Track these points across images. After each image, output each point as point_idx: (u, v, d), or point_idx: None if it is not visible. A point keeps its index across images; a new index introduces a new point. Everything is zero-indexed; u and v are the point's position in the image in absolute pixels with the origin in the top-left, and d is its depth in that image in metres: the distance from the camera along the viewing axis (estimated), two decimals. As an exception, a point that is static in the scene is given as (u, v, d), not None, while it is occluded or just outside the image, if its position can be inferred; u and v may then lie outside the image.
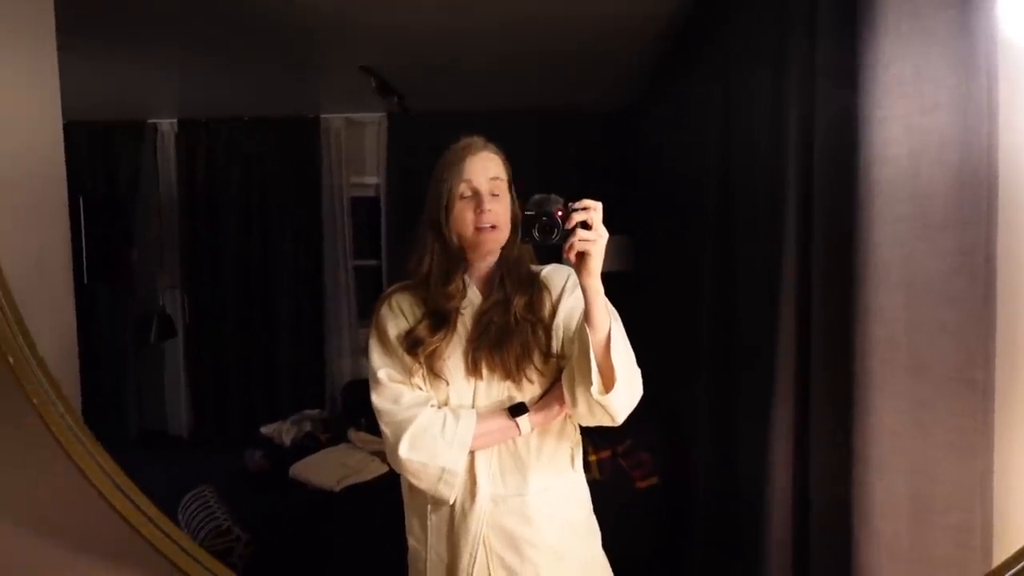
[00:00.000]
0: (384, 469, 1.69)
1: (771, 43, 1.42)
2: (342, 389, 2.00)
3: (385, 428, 1.17)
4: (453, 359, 1.19)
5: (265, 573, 1.66)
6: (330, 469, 1.87)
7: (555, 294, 1.22)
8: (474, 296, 1.22)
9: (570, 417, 1.21)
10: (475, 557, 1.17)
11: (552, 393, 1.19)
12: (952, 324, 1.10)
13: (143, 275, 1.94)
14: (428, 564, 1.21)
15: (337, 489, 1.82)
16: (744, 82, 1.56)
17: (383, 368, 1.19)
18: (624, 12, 1.61)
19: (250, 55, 1.72)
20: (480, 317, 1.20)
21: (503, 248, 1.21)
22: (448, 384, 1.18)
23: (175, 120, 1.93)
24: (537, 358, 1.18)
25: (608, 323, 1.07)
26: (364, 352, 1.23)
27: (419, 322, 1.18)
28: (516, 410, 1.17)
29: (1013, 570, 0.90)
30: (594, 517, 1.28)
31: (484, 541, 1.17)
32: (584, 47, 1.67)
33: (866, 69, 1.14)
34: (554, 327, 1.20)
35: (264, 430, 1.97)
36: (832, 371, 1.23)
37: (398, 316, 1.21)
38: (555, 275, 1.24)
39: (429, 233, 1.19)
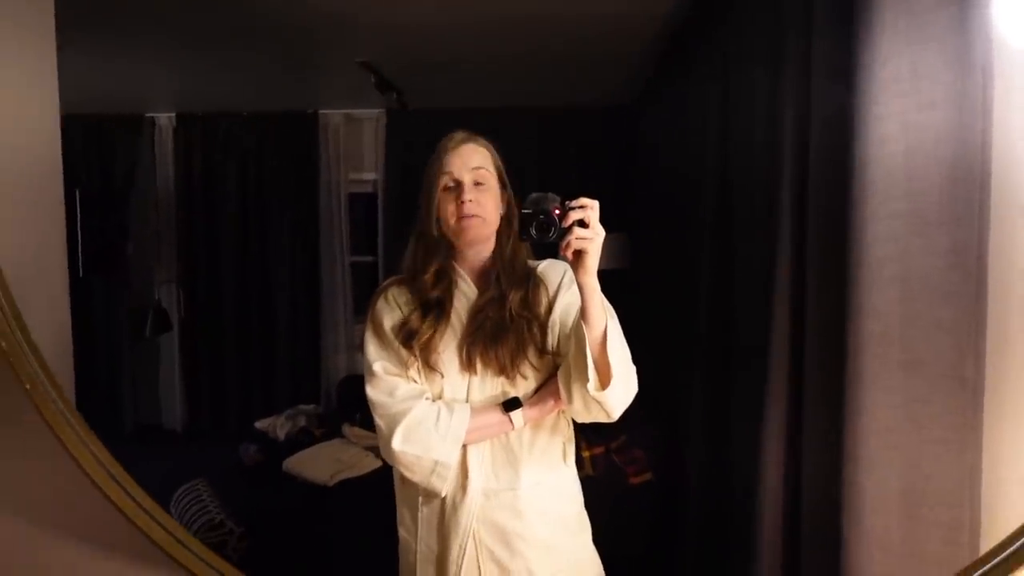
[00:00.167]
0: (378, 464, 1.69)
1: (768, 41, 1.42)
2: (337, 384, 2.00)
3: (379, 420, 1.18)
4: (448, 353, 1.19)
5: (259, 567, 1.66)
6: (324, 464, 1.87)
7: (551, 290, 1.22)
8: (469, 290, 1.22)
9: (563, 412, 1.22)
10: (464, 550, 1.17)
11: (546, 388, 1.19)
12: (947, 321, 1.11)
13: (139, 269, 1.94)
14: (418, 556, 1.22)
15: (331, 484, 1.82)
16: (741, 81, 1.56)
17: (379, 361, 1.20)
18: (623, 11, 1.62)
19: (249, 50, 1.72)
20: (475, 312, 1.20)
21: (499, 244, 1.22)
22: (443, 377, 1.19)
23: (173, 114, 1.93)
24: (532, 354, 1.19)
25: (604, 320, 1.07)
26: (360, 346, 1.24)
27: (412, 312, 1.19)
28: (510, 405, 1.18)
29: (998, 559, 0.91)
30: (585, 512, 1.28)
31: (474, 534, 1.18)
32: (583, 45, 1.67)
33: (862, 67, 1.15)
34: (550, 323, 1.20)
35: (259, 424, 1.97)
36: (826, 368, 1.24)
37: (394, 309, 1.22)
38: (551, 271, 1.24)
39: (418, 226, 1.21)
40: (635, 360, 1.14)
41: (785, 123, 1.36)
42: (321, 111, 1.96)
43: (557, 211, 1.06)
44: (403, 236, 1.26)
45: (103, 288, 1.88)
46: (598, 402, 1.09)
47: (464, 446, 1.17)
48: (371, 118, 1.94)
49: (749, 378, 1.46)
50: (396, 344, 1.19)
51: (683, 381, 1.74)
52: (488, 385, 1.19)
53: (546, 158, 1.81)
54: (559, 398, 1.17)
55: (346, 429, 1.96)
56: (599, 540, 1.29)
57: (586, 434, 1.43)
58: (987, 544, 1.01)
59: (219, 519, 1.70)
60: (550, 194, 1.09)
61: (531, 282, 1.22)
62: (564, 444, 1.25)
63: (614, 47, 1.71)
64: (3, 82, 1.19)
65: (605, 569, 1.29)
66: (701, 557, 1.66)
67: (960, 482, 1.10)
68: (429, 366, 1.18)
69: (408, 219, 1.25)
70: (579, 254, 1.05)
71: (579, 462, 1.30)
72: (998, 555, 0.92)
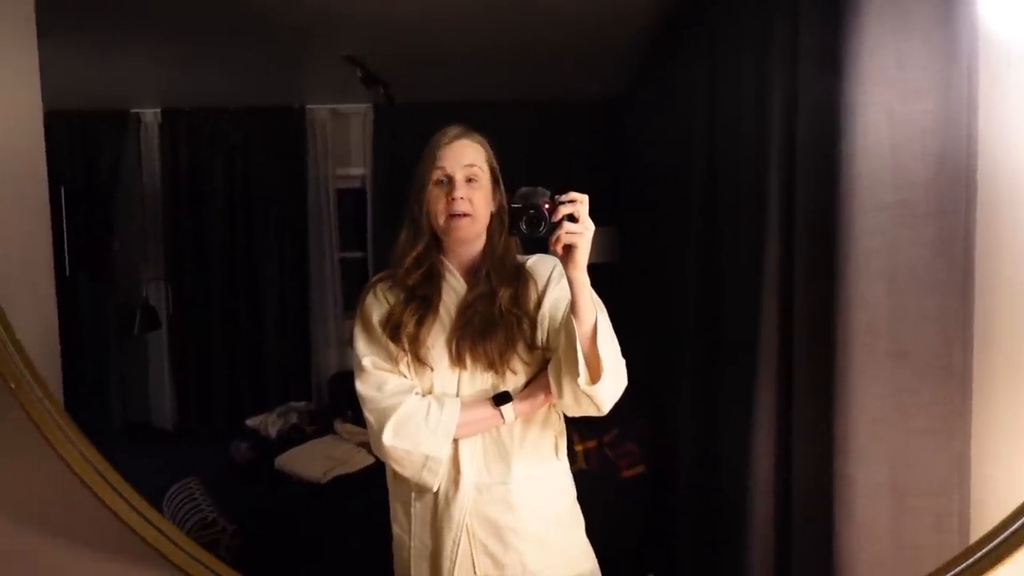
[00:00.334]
0: (370, 460, 1.69)
1: (755, 32, 1.42)
2: (328, 381, 1.99)
3: (369, 415, 1.17)
4: (437, 348, 1.19)
5: (252, 565, 1.66)
6: (316, 461, 1.86)
7: (541, 285, 1.22)
8: (458, 285, 1.22)
9: (554, 406, 1.22)
10: (458, 544, 1.18)
11: (537, 382, 1.19)
12: (933, 311, 1.12)
13: (125, 266, 1.93)
14: (412, 552, 1.22)
15: (323, 480, 1.82)
16: (729, 74, 1.56)
17: (368, 356, 1.19)
18: (610, 2, 1.61)
19: (235, 45, 1.71)
20: (465, 308, 1.20)
21: (489, 240, 1.22)
22: (433, 371, 1.18)
23: (158, 110, 1.91)
24: (522, 349, 1.18)
25: (594, 314, 1.07)
26: (349, 342, 1.23)
27: (397, 305, 1.19)
28: (500, 399, 1.18)
29: (988, 547, 0.92)
30: (578, 505, 1.29)
31: (467, 529, 1.18)
32: (571, 37, 1.67)
33: (849, 56, 1.15)
34: (539, 318, 1.20)
35: (250, 422, 1.96)
36: (814, 359, 1.25)
37: (382, 304, 1.21)
38: (541, 265, 1.24)
39: (407, 219, 1.20)
40: (625, 353, 1.14)
41: (772, 112, 1.36)
42: (308, 106, 1.94)
43: (547, 205, 1.06)
44: (392, 231, 1.25)
45: (89, 285, 1.86)
46: (588, 396, 1.09)
47: (456, 441, 1.17)
48: (358, 113, 1.93)
49: (738, 370, 1.47)
50: (385, 339, 1.18)
51: (674, 374, 1.75)
52: (478, 379, 1.19)
53: (535, 152, 1.81)
54: (550, 392, 1.17)
55: (338, 425, 1.96)
56: (592, 533, 1.30)
57: (578, 428, 1.43)
58: (977, 533, 1.02)
59: (212, 517, 1.70)
60: (540, 188, 1.09)
61: (521, 278, 1.22)
62: (556, 438, 1.25)
63: (602, 39, 1.71)
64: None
65: (599, 562, 1.30)
66: (694, 549, 1.67)
67: (949, 471, 1.12)
68: (419, 360, 1.18)
69: (397, 214, 1.25)
70: (569, 248, 1.05)
71: (572, 456, 1.30)
72: (987, 544, 0.93)
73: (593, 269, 1.07)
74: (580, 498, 1.29)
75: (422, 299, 1.19)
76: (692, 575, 1.69)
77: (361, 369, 1.19)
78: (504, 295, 1.19)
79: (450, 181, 1.17)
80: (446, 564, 1.18)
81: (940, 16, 1.09)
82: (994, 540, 0.93)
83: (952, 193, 1.10)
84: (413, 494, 1.22)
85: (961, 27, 1.09)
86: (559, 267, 1.18)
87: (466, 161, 1.18)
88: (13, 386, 1.06)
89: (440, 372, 1.19)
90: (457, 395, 1.19)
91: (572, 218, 1.04)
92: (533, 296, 1.22)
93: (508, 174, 1.23)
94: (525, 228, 1.07)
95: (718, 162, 1.60)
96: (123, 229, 1.91)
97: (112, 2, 1.57)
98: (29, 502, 1.20)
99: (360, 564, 1.62)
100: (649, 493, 1.75)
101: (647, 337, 1.80)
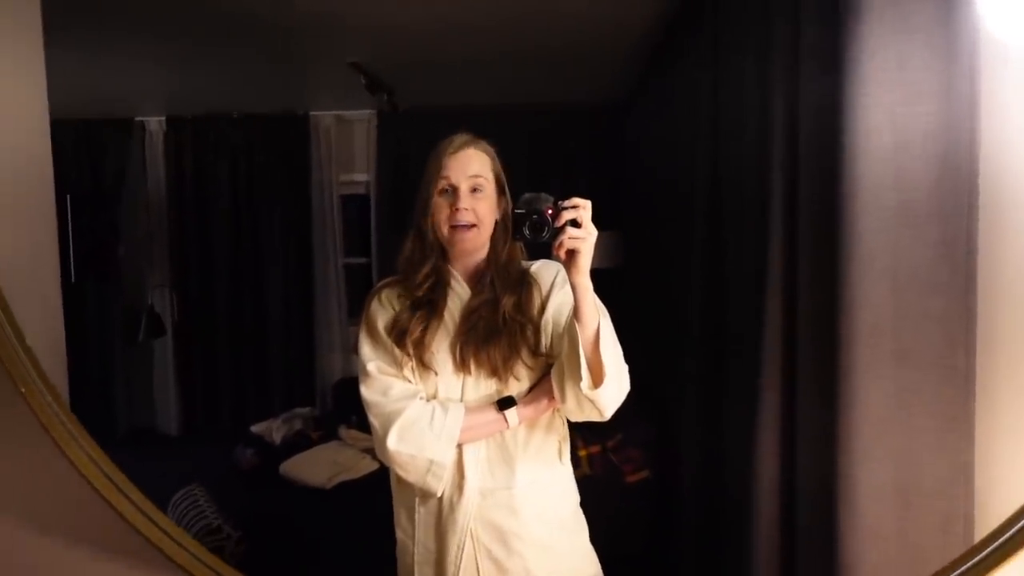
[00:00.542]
0: (375, 466, 1.69)
1: (756, 36, 1.43)
2: (333, 387, 2.00)
3: (374, 420, 1.17)
4: (441, 353, 1.19)
5: (257, 571, 1.66)
6: (321, 467, 1.87)
7: (544, 290, 1.22)
8: (462, 291, 1.22)
9: (558, 411, 1.22)
10: (463, 549, 1.17)
11: (541, 387, 1.19)
12: (937, 312, 1.12)
13: (131, 272, 1.94)
14: (416, 557, 1.22)
15: (328, 487, 1.82)
16: (731, 78, 1.57)
17: (373, 361, 1.20)
18: (613, 8, 1.62)
19: (239, 52, 1.72)
20: (468, 313, 1.20)
21: (493, 247, 1.22)
22: (437, 376, 1.19)
23: (163, 117, 1.92)
24: (525, 355, 1.19)
25: (597, 319, 1.08)
26: (354, 347, 1.23)
27: (403, 311, 1.19)
28: (504, 404, 1.18)
29: (992, 546, 0.92)
30: (581, 510, 1.28)
31: (472, 534, 1.18)
32: (574, 43, 1.68)
33: (851, 59, 1.15)
34: (543, 323, 1.20)
35: (254, 428, 1.96)
36: (819, 360, 1.25)
37: (387, 310, 1.22)
38: (544, 271, 1.24)
39: (413, 226, 1.21)
40: (629, 358, 1.14)
41: (775, 115, 1.36)
42: (312, 112, 1.96)
43: (550, 211, 1.07)
44: (396, 237, 1.26)
45: (95, 292, 1.87)
46: (591, 401, 1.09)
47: (460, 445, 1.17)
48: (362, 119, 1.94)
49: (743, 371, 1.47)
50: (390, 344, 1.19)
51: (677, 377, 1.75)
52: (483, 385, 1.19)
53: (538, 157, 1.81)
54: (553, 397, 1.17)
55: (342, 431, 1.96)
56: (597, 539, 1.29)
57: (582, 433, 1.43)
58: (981, 533, 1.02)
59: (216, 524, 1.70)
60: (543, 194, 1.09)
61: (524, 284, 1.22)
62: (559, 443, 1.25)
63: (604, 45, 1.71)
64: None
65: (603, 568, 1.29)
66: (699, 553, 1.67)
67: (953, 472, 1.11)
68: (424, 365, 1.18)
69: (401, 220, 1.25)
70: (572, 254, 1.05)
71: (576, 461, 1.30)
72: (992, 543, 0.93)
73: (596, 274, 1.08)
74: (584, 503, 1.29)
75: (427, 305, 1.19)
76: (697, 580, 1.68)
77: (366, 374, 1.19)
78: (508, 301, 1.19)
79: (454, 191, 1.17)
80: (450, 569, 1.18)
81: (941, 17, 1.09)
82: (998, 539, 0.92)
83: (955, 195, 1.10)
84: (417, 499, 1.22)
85: (961, 28, 1.09)
86: (562, 272, 1.18)
87: (471, 171, 1.18)
88: (23, 390, 1.07)
89: (444, 377, 1.19)
90: (461, 400, 1.19)
91: (575, 223, 1.05)
92: (537, 301, 1.22)
93: (511, 179, 1.24)
94: (528, 234, 1.07)
95: (721, 165, 1.61)
96: (128, 235, 1.92)
97: (118, 10, 1.59)
98: (38, 503, 1.21)
99: (364, 570, 1.62)
100: (653, 498, 1.74)
101: (651, 341, 1.80)
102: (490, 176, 1.20)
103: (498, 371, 1.18)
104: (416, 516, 1.22)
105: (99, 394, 1.90)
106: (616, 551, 1.35)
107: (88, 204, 1.80)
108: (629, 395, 1.14)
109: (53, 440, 1.09)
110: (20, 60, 1.25)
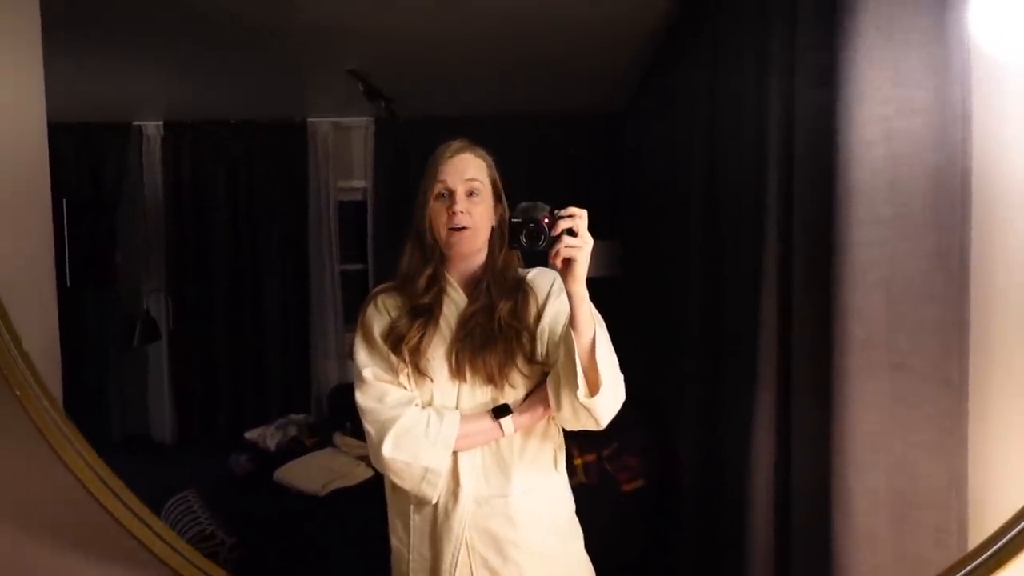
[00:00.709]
0: (369, 474, 1.69)
1: (753, 51, 1.44)
2: (328, 393, 1.99)
3: (369, 427, 1.17)
4: (437, 360, 1.19)
5: (250, 578, 1.66)
6: (316, 473, 1.86)
7: (540, 298, 1.23)
8: (458, 297, 1.22)
9: (554, 419, 1.22)
10: (457, 557, 1.17)
11: (536, 395, 1.19)
12: (931, 322, 1.12)
13: (127, 278, 1.93)
14: (411, 565, 1.21)
15: (323, 493, 1.81)
16: (728, 91, 1.58)
17: (368, 367, 1.19)
18: (610, 18, 1.63)
19: (238, 58, 1.72)
20: (465, 320, 1.20)
21: (490, 253, 1.22)
22: (433, 382, 1.19)
23: (161, 123, 1.92)
24: (521, 362, 1.19)
25: (593, 328, 1.08)
26: (349, 353, 1.23)
27: (400, 317, 1.19)
28: (500, 411, 1.18)
29: (985, 555, 0.92)
30: (576, 518, 1.28)
31: (467, 542, 1.17)
32: (572, 52, 1.69)
33: (845, 71, 1.17)
34: (539, 331, 1.20)
35: (249, 435, 1.96)
36: (814, 369, 1.25)
37: (384, 316, 1.21)
38: (541, 279, 1.24)
39: (412, 232, 1.21)
40: (626, 366, 1.14)
41: (771, 126, 1.38)
42: (310, 119, 1.96)
43: (546, 220, 1.07)
44: (393, 244, 1.26)
45: (91, 297, 1.87)
46: (587, 409, 1.09)
47: (455, 453, 1.17)
48: (360, 126, 1.95)
49: (739, 381, 1.47)
50: (386, 350, 1.19)
51: (674, 385, 1.75)
52: (478, 392, 1.19)
53: (536, 166, 1.82)
54: (549, 405, 1.17)
55: (337, 438, 1.96)
56: (593, 547, 1.29)
57: (578, 441, 1.43)
58: (974, 542, 1.02)
59: (210, 530, 1.70)
60: (539, 203, 1.10)
61: (521, 292, 1.22)
62: (555, 451, 1.25)
63: (602, 53, 1.72)
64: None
65: (597, 574, 1.29)
66: (694, 561, 1.67)
67: (947, 482, 1.12)
68: (419, 371, 1.18)
69: (398, 227, 1.25)
70: (568, 262, 1.05)
71: (571, 470, 1.30)
72: (984, 552, 0.93)
73: (594, 283, 1.08)
74: (579, 512, 1.29)
75: (423, 311, 1.19)
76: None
77: (362, 380, 1.19)
78: (503, 308, 1.19)
79: (451, 195, 1.17)
80: (445, 577, 1.18)
81: (934, 31, 1.11)
82: (991, 548, 0.93)
83: (949, 206, 1.11)
84: (412, 507, 1.21)
85: (953, 44, 1.10)
86: (559, 281, 1.18)
87: (467, 175, 1.18)
88: (19, 394, 1.07)
89: (440, 384, 1.19)
90: (457, 407, 1.19)
91: (571, 232, 1.05)
92: (533, 309, 1.22)
93: (509, 187, 1.24)
94: (525, 242, 1.08)
95: (718, 176, 1.62)
96: (125, 241, 1.92)
97: (117, 16, 1.59)
98: (32, 506, 1.21)
99: (358, 577, 1.62)
100: (649, 506, 1.74)
101: (648, 350, 1.81)
102: (486, 181, 1.20)
103: (494, 378, 1.18)
104: (411, 524, 1.21)
105: (94, 400, 1.90)
106: (612, 559, 1.35)
107: (86, 211, 1.80)
108: (625, 404, 1.14)
109: (48, 444, 1.09)
110: (19, 64, 1.25)
